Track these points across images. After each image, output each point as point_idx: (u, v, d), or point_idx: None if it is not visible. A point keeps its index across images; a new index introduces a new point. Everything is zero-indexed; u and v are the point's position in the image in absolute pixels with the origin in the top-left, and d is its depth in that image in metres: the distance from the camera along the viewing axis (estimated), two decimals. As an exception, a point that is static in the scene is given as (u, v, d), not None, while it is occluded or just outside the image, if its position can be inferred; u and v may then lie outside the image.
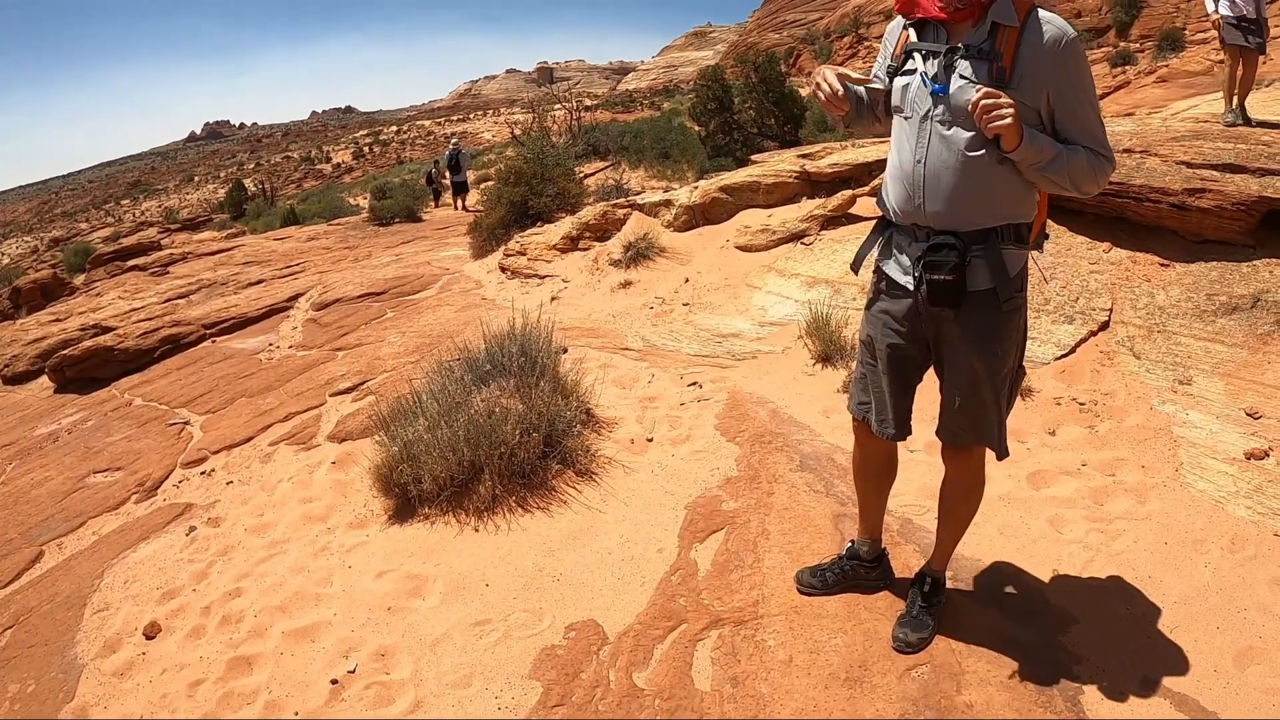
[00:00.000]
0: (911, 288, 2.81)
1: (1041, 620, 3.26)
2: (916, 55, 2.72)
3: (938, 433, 3.03)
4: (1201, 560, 3.51)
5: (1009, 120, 2.42)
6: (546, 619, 3.62)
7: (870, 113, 2.96)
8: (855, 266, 3.12)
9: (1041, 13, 2.56)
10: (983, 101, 2.43)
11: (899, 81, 2.76)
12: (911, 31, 2.77)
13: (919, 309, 2.82)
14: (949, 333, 2.81)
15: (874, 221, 3.02)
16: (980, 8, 2.57)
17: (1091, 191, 2.64)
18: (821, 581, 3.50)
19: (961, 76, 2.58)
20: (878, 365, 3.02)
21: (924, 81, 2.66)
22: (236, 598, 4.20)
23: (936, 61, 2.64)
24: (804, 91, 25.61)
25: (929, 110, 2.65)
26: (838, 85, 2.73)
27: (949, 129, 2.62)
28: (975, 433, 2.93)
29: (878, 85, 2.83)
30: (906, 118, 2.74)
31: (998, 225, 2.69)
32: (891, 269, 2.91)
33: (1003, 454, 2.96)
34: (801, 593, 3.52)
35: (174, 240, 22.15)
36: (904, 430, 3.08)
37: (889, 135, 2.94)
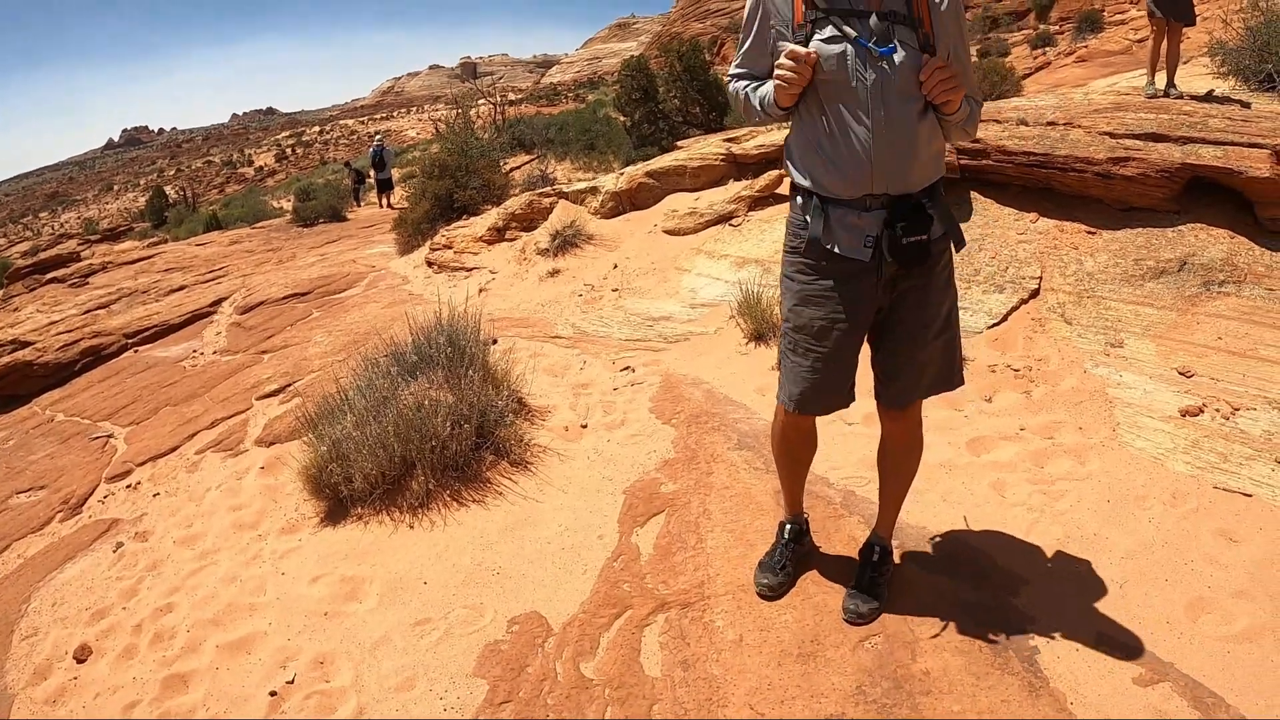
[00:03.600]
0: (868, 258, 2.71)
1: (991, 583, 3.25)
2: (834, 22, 2.57)
3: (889, 398, 2.98)
4: (1145, 516, 3.54)
5: (959, 88, 2.52)
6: (488, 614, 3.54)
7: None
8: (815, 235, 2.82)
9: None
10: (937, 73, 2.49)
11: (829, 49, 2.57)
12: None
13: (876, 275, 2.75)
14: (909, 287, 2.79)
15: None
16: None
17: (975, 136, 2.74)
18: (785, 573, 3.38)
19: (900, 42, 2.54)
20: (825, 345, 2.85)
21: (865, 47, 2.54)
22: (168, 613, 4.07)
23: (865, 26, 2.54)
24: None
25: (877, 77, 2.54)
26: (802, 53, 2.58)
27: (897, 94, 2.55)
28: (948, 374, 2.97)
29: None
30: (852, 86, 2.57)
31: (938, 178, 2.74)
32: (838, 243, 2.74)
33: (959, 383, 3.03)
34: (768, 598, 3.33)
35: (94, 251, 21.50)
36: (852, 396, 3.00)
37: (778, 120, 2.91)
